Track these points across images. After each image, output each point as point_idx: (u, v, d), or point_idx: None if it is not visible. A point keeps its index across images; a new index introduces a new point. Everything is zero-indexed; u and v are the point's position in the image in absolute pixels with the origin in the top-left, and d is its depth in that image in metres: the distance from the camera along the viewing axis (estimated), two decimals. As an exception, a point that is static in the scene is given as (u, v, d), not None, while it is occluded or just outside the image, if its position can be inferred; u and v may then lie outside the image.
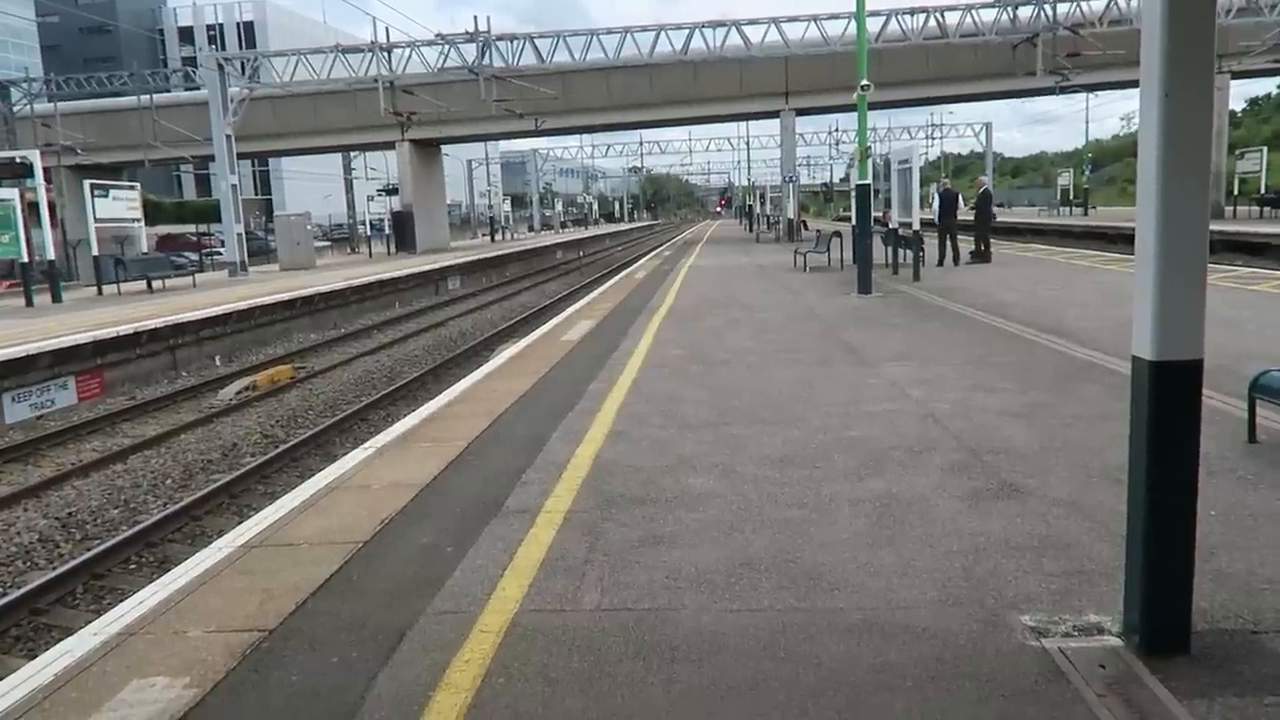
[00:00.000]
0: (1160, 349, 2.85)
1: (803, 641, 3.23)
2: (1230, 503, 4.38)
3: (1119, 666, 2.96)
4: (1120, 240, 27.68)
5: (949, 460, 5.32)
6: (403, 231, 41.36)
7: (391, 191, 45.10)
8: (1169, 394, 2.89)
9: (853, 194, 18.03)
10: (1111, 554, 3.74)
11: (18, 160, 21.07)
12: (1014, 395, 6.96)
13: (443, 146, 44.82)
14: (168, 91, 37.13)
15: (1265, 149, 34.66)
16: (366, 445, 6.46)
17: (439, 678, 3.08)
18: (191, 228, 44.25)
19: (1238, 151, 36.17)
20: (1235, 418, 5.70)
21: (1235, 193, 34.67)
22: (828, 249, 21.24)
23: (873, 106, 17.91)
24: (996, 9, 28.96)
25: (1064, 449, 5.45)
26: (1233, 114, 51.26)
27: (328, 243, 51.97)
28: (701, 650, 3.20)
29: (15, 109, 33.40)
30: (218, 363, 15.68)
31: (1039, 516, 4.34)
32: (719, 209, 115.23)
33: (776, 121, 40.09)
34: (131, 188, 23.91)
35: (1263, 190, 33.59)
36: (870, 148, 16.35)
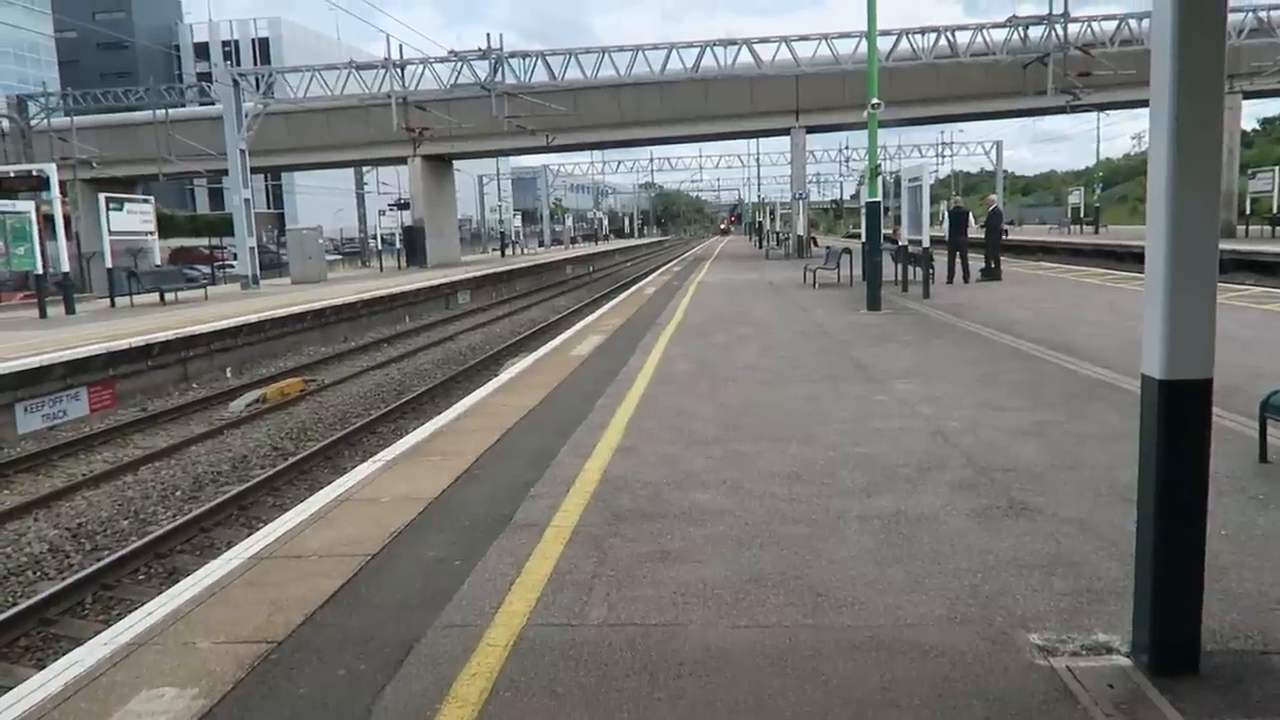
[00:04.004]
0: (1170, 368, 2.85)
1: (810, 658, 3.22)
2: (1241, 523, 4.36)
3: (1127, 686, 2.95)
4: (1130, 258, 27.62)
5: (958, 478, 5.31)
6: (413, 246, 41.61)
7: (403, 206, 45.37)
8: (1179, 413, 2.88)
9: (863, 211, 18.06)
10: (1120, 573, 3.73)
11: (34, 173, 21.28)
12: (1023, 413, 6.94)
13: (454, 162, 45.13)
14: (183, 107, 37.48)
15: (1277, 168, 34.56)
16: (375, 458, 6.49)
17: (446, 691, 3.09)
18: (204, 241, 44.49)
19: (1250, 171, 36.11)
20: (1246, 437, 5.67)
21: (1247, 212, 34.58)
22: (837, 266, 21.25)
23: (883, 124, 17.93)
24: (1007, 29, 29.07)
25: (1073, 467, 5.43)
26: (1245, 134, 51.09)
27: (339, 257, 52.17)
28: (708, 666, 3.20)
29: (32, 123, 33.79)
30: (229, 375, 15.76)
31: (1048, 535, 4.32)
32: (726, 226, 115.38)
33: (787, 138, 40.27)
34: (146, 201, 24.07)
35: (1275, 209, 33.48)
36: (880, 165, 16.39)
